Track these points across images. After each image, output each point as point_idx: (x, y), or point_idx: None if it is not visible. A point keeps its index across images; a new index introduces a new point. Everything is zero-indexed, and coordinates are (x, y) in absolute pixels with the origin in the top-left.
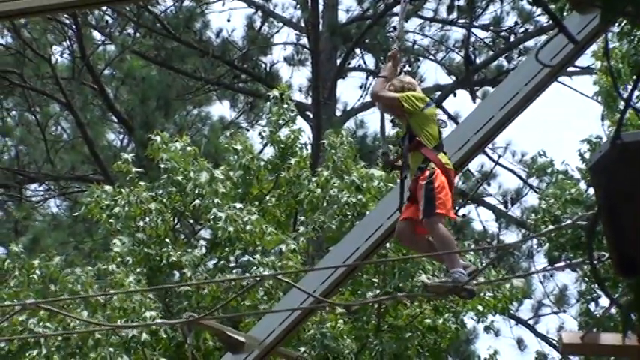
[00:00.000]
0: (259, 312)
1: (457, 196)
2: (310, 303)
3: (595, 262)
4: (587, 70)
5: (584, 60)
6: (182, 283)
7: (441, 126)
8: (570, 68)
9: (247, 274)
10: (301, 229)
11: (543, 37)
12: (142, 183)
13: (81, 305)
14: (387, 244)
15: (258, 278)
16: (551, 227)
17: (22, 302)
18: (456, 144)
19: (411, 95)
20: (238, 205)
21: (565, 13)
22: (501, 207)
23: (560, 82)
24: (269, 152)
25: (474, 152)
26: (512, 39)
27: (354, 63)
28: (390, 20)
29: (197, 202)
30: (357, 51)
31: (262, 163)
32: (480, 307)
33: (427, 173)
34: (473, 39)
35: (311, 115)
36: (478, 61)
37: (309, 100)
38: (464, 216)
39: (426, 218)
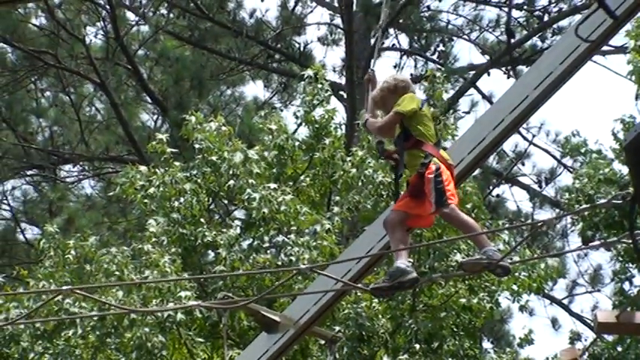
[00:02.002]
0: (294, 294)
1: (491, 175)
2: (344, 284)
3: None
4: (620, 49)
5: (618, 39)
6: (217, 268)
7: (437, 124)
8: (604, 47)
9: (282, 256)
10: (336, 209)
11: (577, 17)
12: (176, 163)
13: (116, 285)
14: None
15: (294, 271)
16: (585, 206)
17: (58, 289)
18: (490, 123)
19: (405, 104)
20: (273, 186)
21: None
22: (535, 187)
23: (594, 62)
24: (303, 132)
25: (509, 132)
26: (546, 18)
27: (387, 43)
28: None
29: (232, 182)
30: (391, 31)
31: (297, 143)
32: (514, 287)
33: (433, 167)
34: (505, 18)
35: (345, 95)
36: (512, 40)
37: (342, 80)
38: (498, 196)
39: (442, 209)
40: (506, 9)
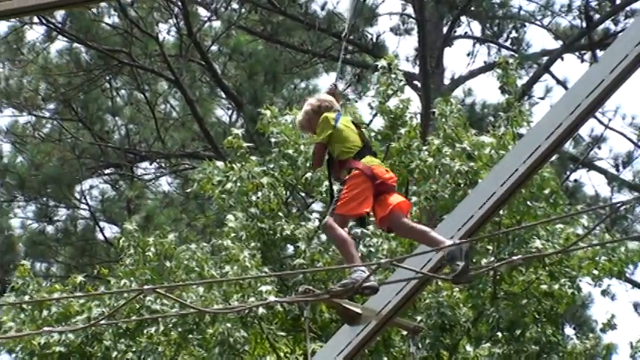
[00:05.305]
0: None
1: (568, 160)
2: (423, 274)
3: None
4: None
5: None
6: (297, 261)
7: (362, 127)
8: None
9: (362, 248)
10: (414, 198)
11: None
12: (253, 158)
13: (197, 284)
14: (501, 212)
15: (374, 266)
16: None
17: (140, 288)
18: (566, 109)
19: (320, 131)
20: None
21: None
22: (613, 170)
23: None
24: (378, 122)
25: (585, 116)
26: (618, 1)
27: (460, 31)
28: None
29: (309, 174)
30: (463, 19)
31: (372, 134)
32: (595, 272)
33: (347, 177)
34: (578, 2)
35: (419, 85)
36: (590, 23)
37: (416, 70)
38: (575, 180)
39: (327, 217)
40: None
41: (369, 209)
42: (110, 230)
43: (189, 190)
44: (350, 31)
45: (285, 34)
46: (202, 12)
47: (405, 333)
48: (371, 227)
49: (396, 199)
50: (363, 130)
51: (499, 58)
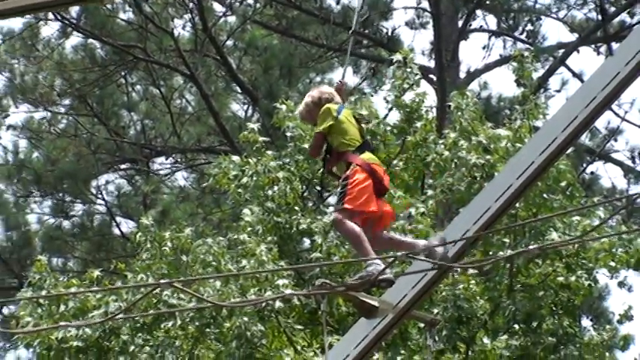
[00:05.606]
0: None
1: (584, 153)
2: (435, 265)
3: None
4: None
5: None
6: (313, 255)
7: (362, 122)
8: None
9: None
10: (430, 192)
11: None
12: (268, 152)
13: (213, 277)
14: (517, 204)
15: (391, 259)
16: None
17: (157, 282)
18: (582, 101)
19: (321, 121)
20: None
21: None
22: (629, 162)
23: None
24: (394, 116)
25: (601, 109)
26: None
27: (475, 24)
28: None
29: None
30: (479, 12)
31: (388, 128)
32: (612, 263)
33: (348, 172)
34: None
35: (434, 78)
36: (604, 17)
37: (432, 64)
38: (592, 173)
39: (335, 212)
40: None
41: (376, 209)
42: (126, 225)
43: (205, 185)
44: (364, 25)
45: (300, 28)
46: (217, 7)
47: (422, 326)
48: None
49: (383, 206)
50: (364, 125)
51: (515, 51)
